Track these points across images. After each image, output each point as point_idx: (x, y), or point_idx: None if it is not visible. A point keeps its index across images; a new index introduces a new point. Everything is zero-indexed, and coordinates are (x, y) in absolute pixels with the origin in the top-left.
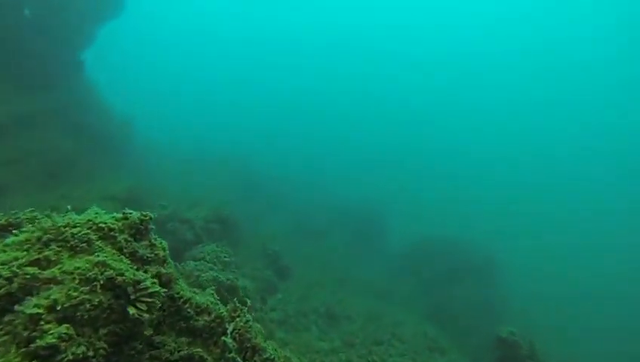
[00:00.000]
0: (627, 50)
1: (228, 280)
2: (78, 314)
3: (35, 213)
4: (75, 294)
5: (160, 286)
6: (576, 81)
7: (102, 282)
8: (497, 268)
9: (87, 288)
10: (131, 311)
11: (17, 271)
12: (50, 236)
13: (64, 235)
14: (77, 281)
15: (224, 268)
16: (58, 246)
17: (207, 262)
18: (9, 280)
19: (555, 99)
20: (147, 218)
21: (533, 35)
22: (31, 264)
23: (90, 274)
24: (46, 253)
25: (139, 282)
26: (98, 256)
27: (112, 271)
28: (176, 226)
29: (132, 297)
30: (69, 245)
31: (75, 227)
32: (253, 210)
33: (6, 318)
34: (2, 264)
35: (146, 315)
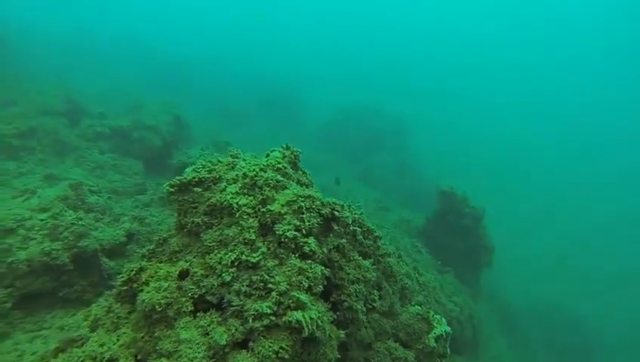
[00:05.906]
0: None
1: None
2: (314, 230)
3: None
4: (307, 219)
5: None
6: None
7: (316, 209)
8: (409, 132)
9: (310, 215)
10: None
11: (265, 210)
12: (257, 180)
13: (266, 180)
14: (300, 210)
15: None
16: (267, 187)
17: None
18: (261, 215)
19: None
20: (297, 153)
21: None
22: (262, 203)
23: (305, 204)
24: (267, 193)
25: (334, 206)
26: (296, 191)
27: (319, 202)
28: (142, 135)
29: (335, 215)
30: (272, 185)
31: (265, 171)
32: (179, 100)
33: (269, 238)
34: (250, 206)
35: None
